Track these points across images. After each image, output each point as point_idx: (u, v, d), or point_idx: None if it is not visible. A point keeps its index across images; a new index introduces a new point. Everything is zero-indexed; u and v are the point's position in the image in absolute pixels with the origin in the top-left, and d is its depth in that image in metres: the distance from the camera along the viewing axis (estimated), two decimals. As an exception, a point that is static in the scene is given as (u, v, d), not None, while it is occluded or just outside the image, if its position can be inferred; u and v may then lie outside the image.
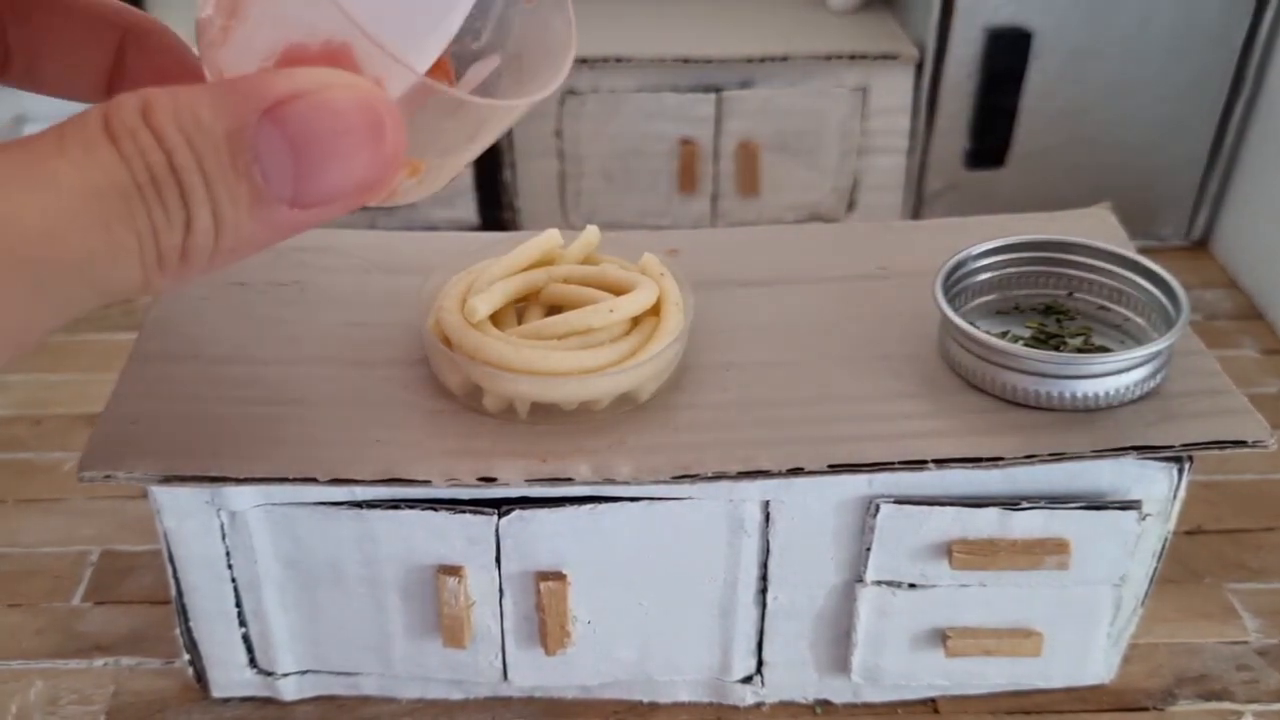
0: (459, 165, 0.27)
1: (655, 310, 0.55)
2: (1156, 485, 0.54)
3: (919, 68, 0.99)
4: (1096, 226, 0.65)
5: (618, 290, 0.55)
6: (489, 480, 0.50)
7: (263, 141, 0.21)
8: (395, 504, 0.54)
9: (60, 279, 0.20)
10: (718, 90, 1.00)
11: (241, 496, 0.53)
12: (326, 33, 0.23)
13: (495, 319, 0.54)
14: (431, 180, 0.27)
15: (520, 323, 0.55)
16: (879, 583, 0.57)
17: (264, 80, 0.21)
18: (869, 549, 0.55)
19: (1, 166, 0.20)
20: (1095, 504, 0.54)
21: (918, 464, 0.51)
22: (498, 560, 0.55)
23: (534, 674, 0.60)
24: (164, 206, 0.20)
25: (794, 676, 0.61)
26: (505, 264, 0.56)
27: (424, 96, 0.23)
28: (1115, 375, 0.52)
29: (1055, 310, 0.59)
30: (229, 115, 0.21)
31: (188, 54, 0.31)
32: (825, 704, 0.62)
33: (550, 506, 0.53)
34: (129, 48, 0.30)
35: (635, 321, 0.54)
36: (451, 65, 0.28)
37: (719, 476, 0.51)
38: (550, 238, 0.57)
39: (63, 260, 0.20)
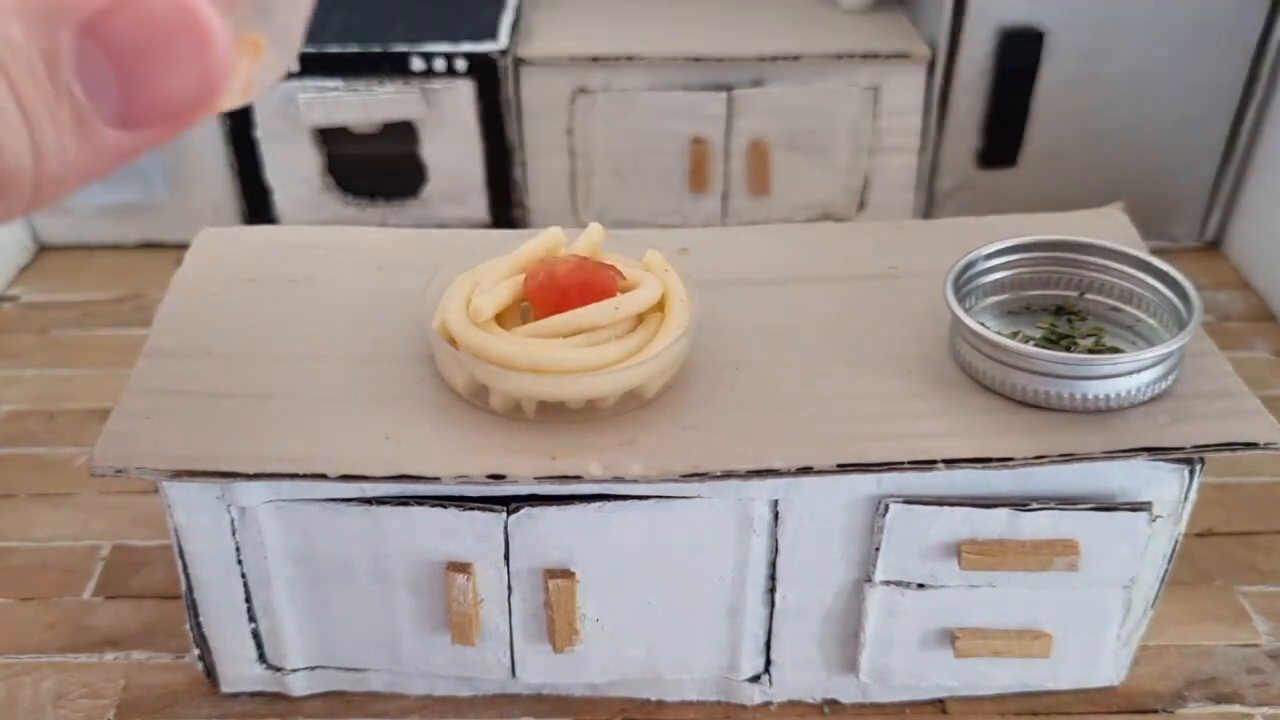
0: (298, 29, 0.25)
1: (660, 307, 0.55)
2: (1167, 487, 0.54)
3: (931, 67, 0.99)
4: (1108, 227, 0.65)
5: (622, 288, 0.55)
6: (498, 477, 0.50)
7: (82, 58, 0.20)
8: (404, 501, 0.54)
9: None
10: (729, 89, 1.00)
11: (252, 492, 0.53)
12: None
13: (501, 318, 0.54)
14: (278, 58, 0.25)
15: (525, 321, 0.55)
16: (888, 583, 0.57)
17: None
18: (878, 549, 0.55)
19: None
20: (1105, 505, 0.54)
21: (927, 464, 0.51)
22: (506, 557, 0.55)
23: (542, 671, 0.60)
24: None
25: (802, 676, 0.61)
26: (509, 263, 0.56)
27: None
28: (1126, 376, 0.52)
29: (1066, 311, 0.59)
30: (42, 33, 0.19)
31: None
32: (833, 703, 0.62)
33: (559, 504, 0.54)
34: None
35: (640, 318, 0.54)
36: None
37: (728, 475, 0.51)
38: (553, 235, 0.57)
39: None
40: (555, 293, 0.53)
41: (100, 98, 0.20)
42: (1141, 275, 0.57)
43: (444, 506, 0.54)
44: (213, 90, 0.21)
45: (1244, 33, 0.95)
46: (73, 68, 0.19)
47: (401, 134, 1.00)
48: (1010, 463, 0.51)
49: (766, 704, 0.62)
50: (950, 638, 0.58)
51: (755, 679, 0.61)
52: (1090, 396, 0.52)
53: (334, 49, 0.97)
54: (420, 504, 0.54)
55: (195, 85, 0.21)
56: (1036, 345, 0.55)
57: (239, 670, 0.61)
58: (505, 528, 0.54)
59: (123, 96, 0.20)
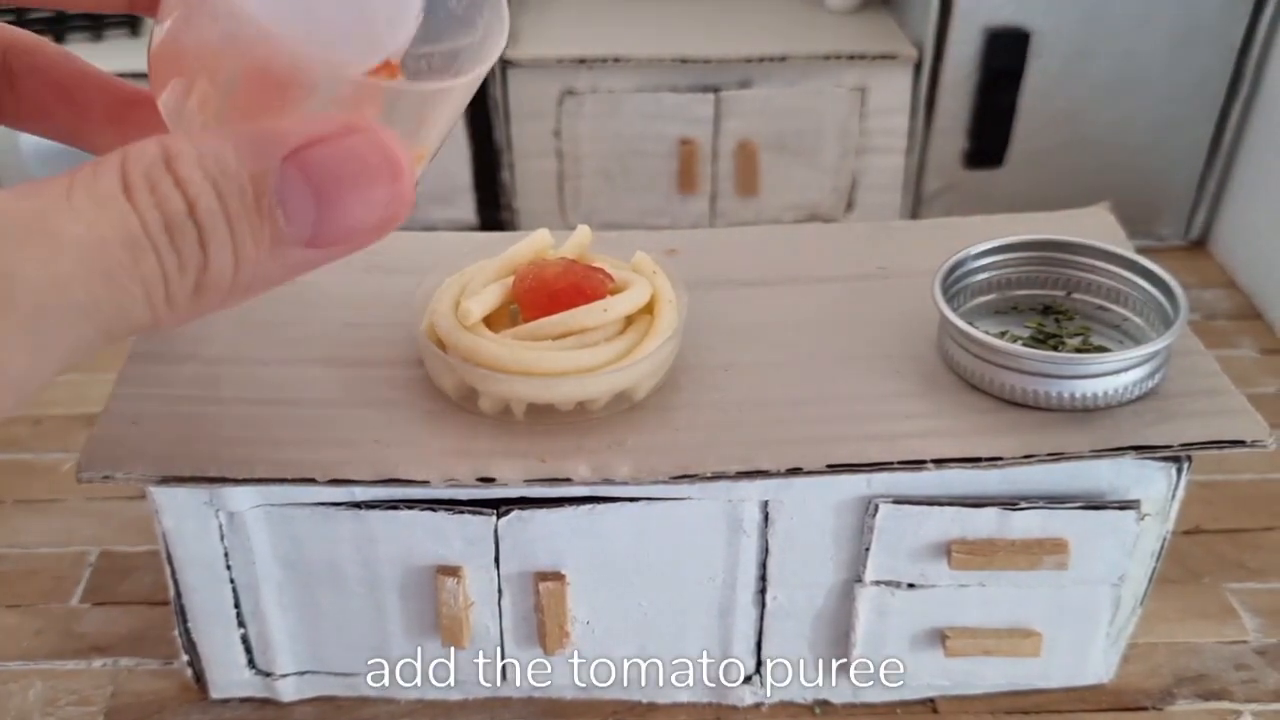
0: (446, 134, 0.29)
1: (649, 308, 0.55)
2: (1155, 485, 0.54)
3: (918, 68, 0.99)
4: (1095, 226, 0.65)
5: (611, 290, 0.55)
6: (488, 480, 0.50)
7: (286, 185, 0.22)
8: (394, 504, 0.54)
9: (62, 328, 0.21)
10: (716, 90, 1.00)
11: (240, 497, 0.53)
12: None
13: (490, 320, 0.54)
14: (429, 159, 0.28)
15: (514, 324, 0.55)
16: (878, 583, 0.57)
17: (285, 126, 0.22)
18: (868, 549, 0.55)
19: (5, 217, 0.21)
20: (1094, 504, 0.54)
21: (917, 464, 0.51)
22: (496, 561, 0.55)
23: (533, 674, 0.60)
24: (177, 253, 0.21)
25: (793, 676, 0.61)
26: (497, 265, 0.56)
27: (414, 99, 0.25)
28: (1114, 375, 0.52)
29: (1054, 310, 0.59)
30: (253, 160, 0.22)
31: (74, 61, 0.31)
32: (824, 704, 0.62)
33: (549, 507, 0.53)
34: (14, 68, 0.31)
35: (629, 320, 0.54)
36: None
37: (718, 476, 0.51)
38: (541, 238, 0.57)
39: (64, 310, 0.21)
40: (544, 295, 0.53)
41: (298, 221, 0.22)
42: (1128, 274, 0.57)
43: (433, 510, 0.54)
44: (398, 217, 0.23)
45: (1228, 33, 0.96)
46: (277, 193, 0.22)
47: (389, 137, 1.00)
48: (999, 462, 0.51)
49: (758, 705, 0.62)
50: (941, 637, 0.58)
51: (747, 680, 0.61)
52: (1078, 395, 0.52)
53: (320, 52, 0.96)
54: (409, 507, 0.54)
55: (384, 213, 0.23)
56: (1024, 345, 0.55)
57: (228, 676, 0.61)
58: (495, 531, 0.54)
59: (318, 220, 0.22)
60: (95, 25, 1.04)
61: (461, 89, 0.27)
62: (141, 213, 0.21)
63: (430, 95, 0.26)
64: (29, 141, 0.97)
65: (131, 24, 1.05)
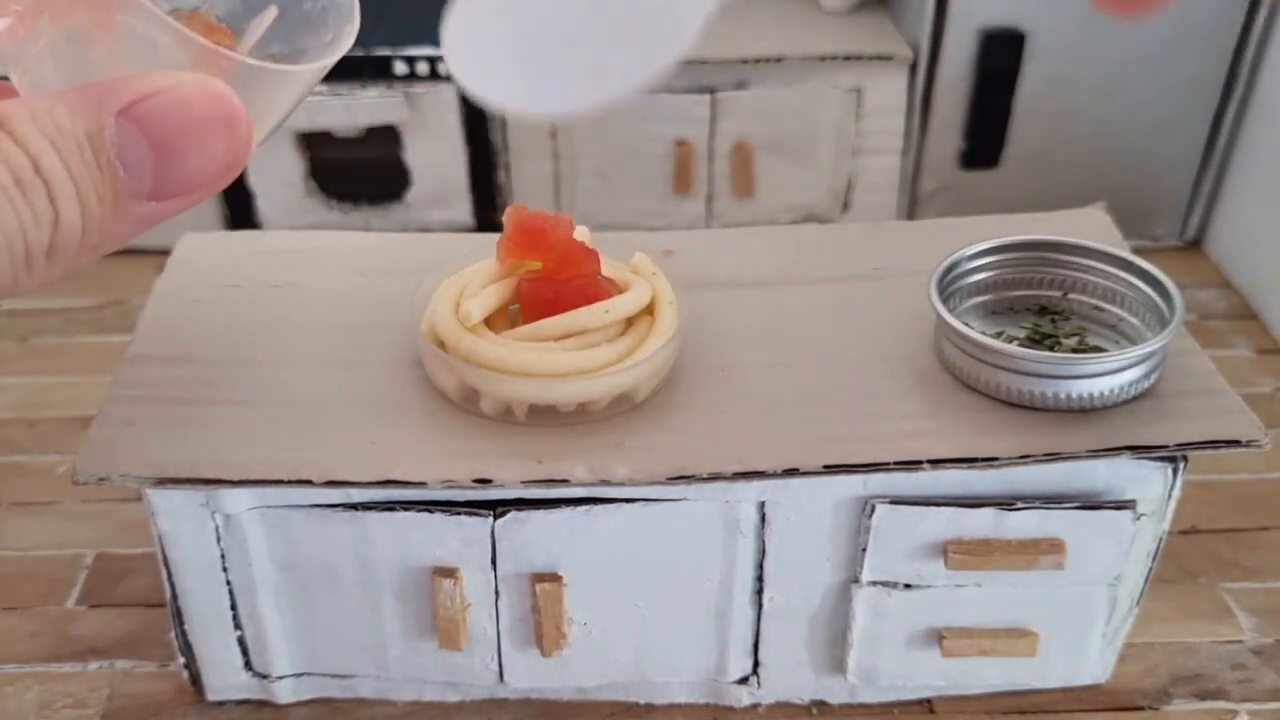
0: (276, 127, 0.28)
1: (649, 310, 0.55)
2: (1151, 485, 0.54)
3: (913, 69, 0.99)
4: (1091, 227, 0.65)
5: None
6: (485, 482, 0.50)
7: (123, 139, 0.22)
8: (390, 506, 0.54)
9: None
10: (712, 91, 1.00)
11: (236, 499, 0.53)
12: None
13: (490, 322, 0.54)
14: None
15: (513, 325, 0.55)
16: (874, 583, 0.57)
17: (117, 82, 0.22)
18: (864, 549, 0.55)
19: None
20: (1090, 504, 0.54)
21: (913, 464, 0.51)
22: (493, 562, 0.55)
23: (530, 676, 0.60)
24: (31, 207, 0.22)
25: (790, 677, 0.61)
26: (495, 266, 0.56)
27: (257, 78, 0.25)
28: (1110, 375, 0.52)
29: (1050, 310, 0.59)
30: (86, 117, 0.22)
31: None
32: (821, 704, 0.62)
33: (546, 508, 0.53)
34: None
35: (629, 322, 0.54)
36: (233, 35, 0.29)
37: (715, 477, 0.51)
38: None
39: None
40: (547, 296, 0.53)
41: (138, 174, 0.23)
42: (1124, 275, 0.58)
43: (430, 511, 0.54)
44: (236, 166, 0.24)
45: (1222, 34, 0.96)
46: (115, 149, 0.22)
47: (385, 138, 1.00)
48: (995, 462, 0.51)
49: (754, 705, 0.62)
50: (937, 637, 0.58)
51: (743, 680, 0.61)
52: (1074, 395, 0.52)
53: (316, 53, 0.96)
54: (406, 509, 0.54)
55: (222, 162, 0.24)
56: (1020, 345, 0.55)
57: (225, 678, 0.61)
58: (492, 532, 0.54)
59: (158, 173, 0.23)
60: None
61: (299, 79, 0.27)
62: None
63: (270, 77, 0.26)
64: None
65: None
